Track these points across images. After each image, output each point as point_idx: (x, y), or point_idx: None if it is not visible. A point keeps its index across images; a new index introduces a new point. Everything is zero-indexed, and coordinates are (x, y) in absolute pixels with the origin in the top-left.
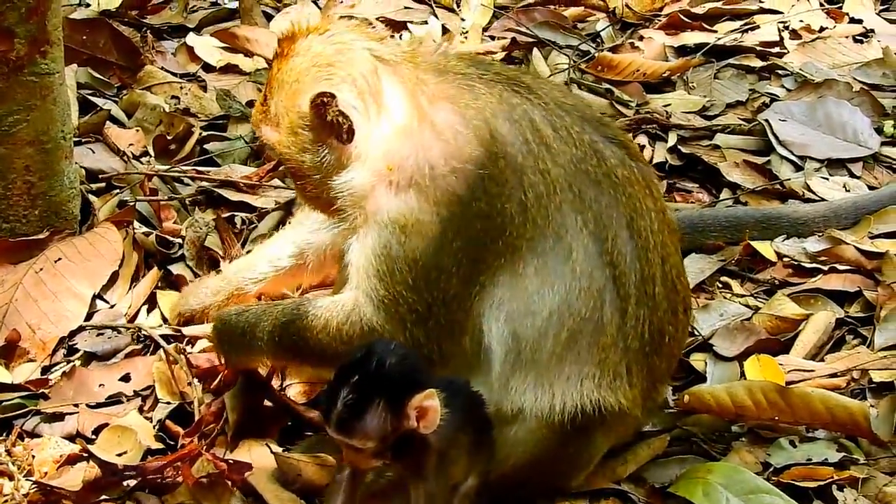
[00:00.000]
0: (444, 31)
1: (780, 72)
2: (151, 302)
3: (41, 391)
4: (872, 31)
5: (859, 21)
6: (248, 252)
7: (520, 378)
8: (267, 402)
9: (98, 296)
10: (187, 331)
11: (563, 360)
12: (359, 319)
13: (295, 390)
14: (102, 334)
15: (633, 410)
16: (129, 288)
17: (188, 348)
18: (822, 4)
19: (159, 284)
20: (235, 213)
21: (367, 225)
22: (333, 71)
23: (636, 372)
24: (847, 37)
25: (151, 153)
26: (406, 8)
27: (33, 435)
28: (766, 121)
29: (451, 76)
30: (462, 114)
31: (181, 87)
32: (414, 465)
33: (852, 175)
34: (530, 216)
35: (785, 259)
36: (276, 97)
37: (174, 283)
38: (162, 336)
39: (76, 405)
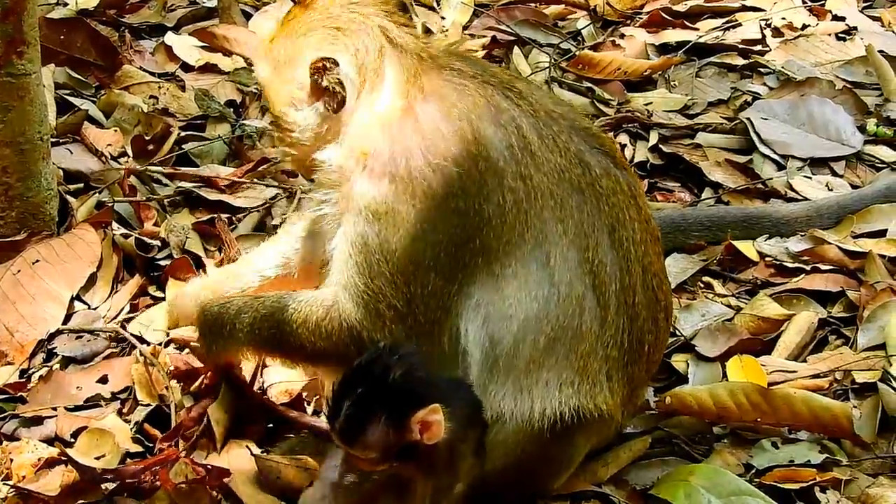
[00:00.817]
0: (426, 29)
1: (762, 70)
2: (133, 306)
3: (19, 394)
4: (855, 28)
5: (842, 18)
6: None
7: (498, 383)
8: (247, 404)
9: (77, 297)
10: (174, 334)
11: (542, 367)
12: (338, 315)
13: (276, 390)
14: (81, 337)
15: (614, 415)
16: (111, 290)
17: (167, 350)
18: (804, 2)
19: (147, 291)
20: (214, 215)
21: (347, 212)
22: (342, 38)
23: (616, 379)
24: (830, 34)
25: (130, 153)
26: None
27: (11, 438)
28: (749, 119)
29: (448, 73)
30: (447, 112)
31: (159, 87)
32: (423, 464)
33: (835, 174)
34: (508, 220)
35: (767, 259)
36: (283, 42)
37: (161, 283)
38: (139, 339)
39: (54, 408)
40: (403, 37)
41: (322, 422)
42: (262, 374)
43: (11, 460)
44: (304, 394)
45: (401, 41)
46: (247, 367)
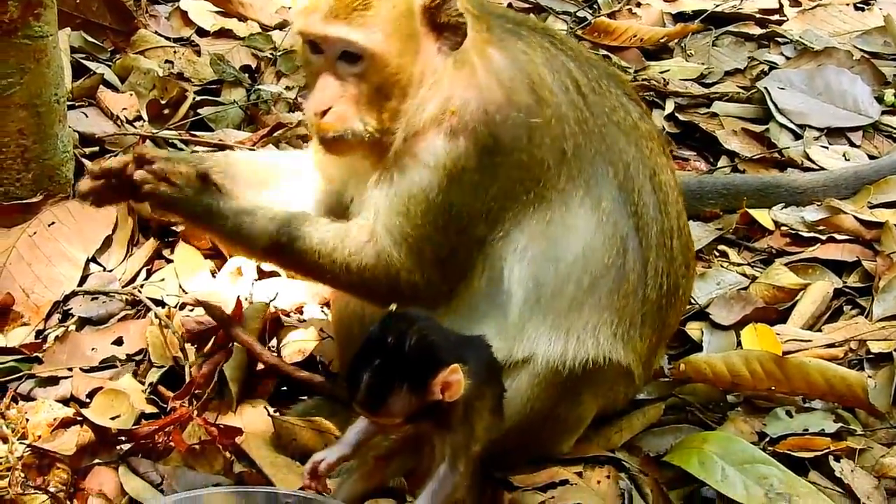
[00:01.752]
0: None
1: (779, 39)
2: (148, 269)
3: (35, 355)
4: None
5: None
6: None
7: (537, 322)
8: (260, 365)
9: (92, 259)
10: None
11: (583, 306)
12: (374, 254)
13: (289, 350)
14: (96, 299)
15: (636, 368)
16: (126, 253)
17: (181, 313)
18: None
19: (162, 255)
20: None
21: (406, 165)
22: None
23: (650, 324)
24: (847, 4)
25: (145, 117)
26: None
27: (27, 398)
28: (766, 89)
29: (503, 22)
30: (516, 59)
31: (175, 52)
32: (441, 421)
33: (852, 144)
34: (566, 167)
35: (783, 228)
36: (381, 4)
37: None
38: (154, 301)
39: (70, 369)
40: None
41: (335, 384)
42: (274, 334)
43: (27, 420)
44: (318, 356)
45: None
46: (256, 325)
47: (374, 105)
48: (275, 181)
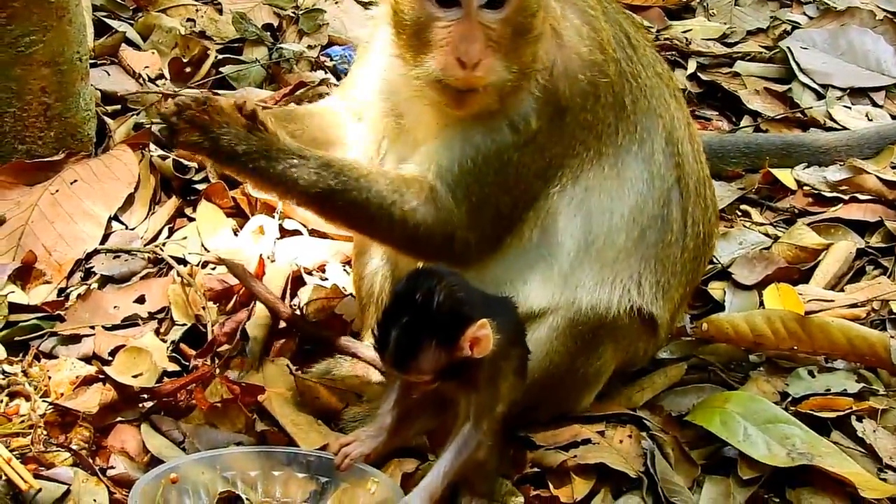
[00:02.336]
0: None
1: None
2: (170, 228)
3: (57, 313)
4: None
5: None
6: None
7: (585, 271)
8: (282, 324)
9: (114, 217)
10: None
11: (630, 257)
12: (435, 210)
13: (312, 308)
14: (118, 257)
15: (665, 321)
16: (148, 211)
17: (203, 271)
18: None
19: (184, 213)
20: None
21: (489, 120)
22: None
23: (686, 273)
24: None
25: (167, 76)
26: None
27: (49, 356)
28: (788, 48)
29: None
30: (587, 18)
31: (197, 10)
32: (466, 379)
33: (875, 104)
34: (624, 122)
35: (805, 188)
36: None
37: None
38: (176, 259)
39: (92, 327)
40: None
41: (357, 343)
42: (296, 292)
43: (49, 378)
44: (343, 314)
45: None
46: (278, 283)
47: (518, 50)
48: (321, 129)
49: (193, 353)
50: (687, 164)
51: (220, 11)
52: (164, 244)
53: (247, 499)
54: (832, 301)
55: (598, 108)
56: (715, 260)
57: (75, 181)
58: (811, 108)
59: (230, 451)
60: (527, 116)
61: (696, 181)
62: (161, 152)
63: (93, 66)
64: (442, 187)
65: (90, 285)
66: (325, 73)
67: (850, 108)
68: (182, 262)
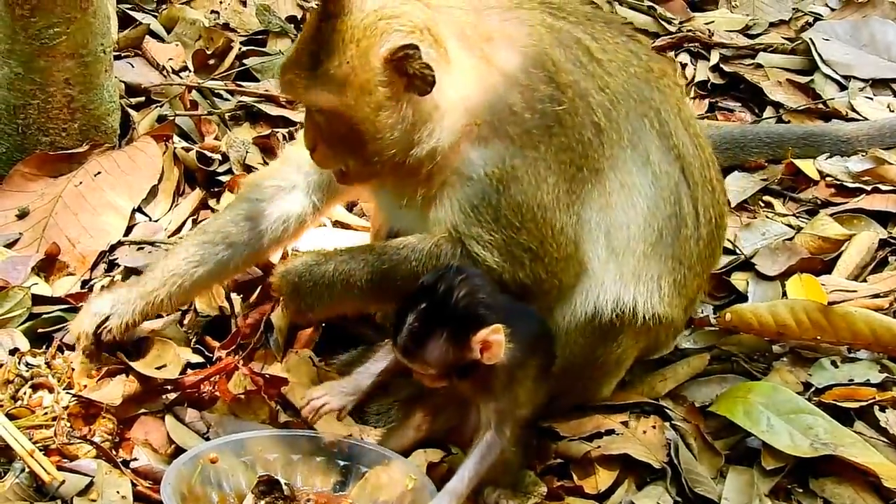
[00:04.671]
0: None
1: None
2: (194, 220)
3: (81, 305)
4: None
5: None
6: None
7: (607, 277)
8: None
9: (138, 209)
10: None
11: (650, 259)
12: (472, 263)
13: None
14: (142, 249)
15: (682, 314)
16: (171, 203)
17: None
18: None
19: (208, 205)
20: (275, 130)
21: (452, 181)
22: (403, 22)
23: (703, 260)
24: None
25: (191, 68)
26: None
27: (73, 348)
28: (811, 40)
29: (493, 13)
30: (523, 51)
31: (221, 2)
32: (481, 384)
33: None
34: (605, 136)
35: (828, 178)
36: (338, 57)
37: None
38: None
39: None
40: None
41: (378, 335)
42: None
43: (73, 370)
44: None
45: (435, 2)
46: None
47: (351, 148)
48: None
49: (217, 344)
50: (687, 152)
51: (244, 3)
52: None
53: (286, 483)
54: (855, 291)
55: (568, 130)
56: (738, 251)
57: (99, 173)
58: (833, 99)
59: (252, 434)
60: (478, 167)
61: (699, 166)
62: (185, 144)
63: (117, 58)
64: (466, 241)
65: (114, 277)
66: None
67: (871, 98)
68: None
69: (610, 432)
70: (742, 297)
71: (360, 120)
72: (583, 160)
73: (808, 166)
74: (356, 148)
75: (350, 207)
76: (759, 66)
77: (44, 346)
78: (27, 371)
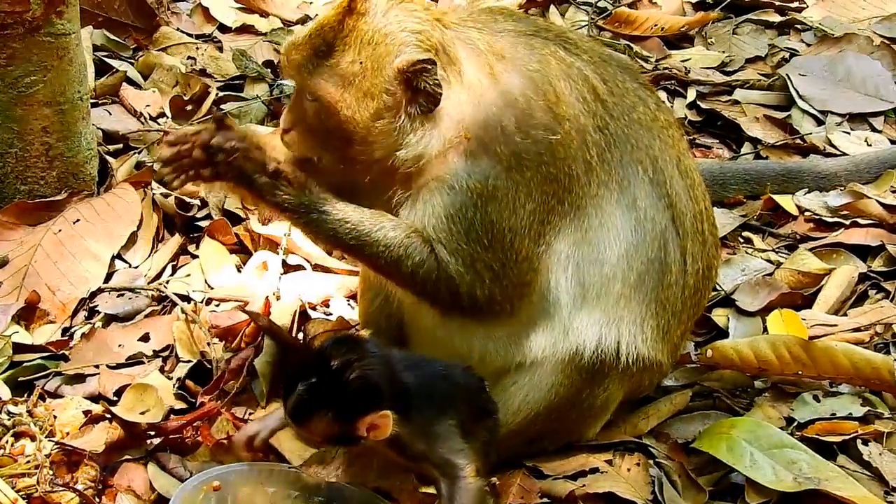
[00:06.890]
0: None
1: (799, 27)
2: (174, 265)
3: (62, 352)
4: None
5: None
6: None
7: (585, 318)
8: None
9: (118, 256)
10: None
11: (631, 301)
12: (436, 265)
13: (318, 342)
14: (122, 295)
15: (668, 358)
16: (151, 249)
17: (208, 308)
18: None
19: (187, 250)
20: None
21: (431, 187)
22: (422, 39)
23: (688, 308)
24: None
25: (168, 114)
26: None
27: (55, 395)
28: (787, 76)
29: (508, 36)
30: (530, 77)
31: (197, 48)
32: (397, 451)
33: (874, 129)
34: (594, 174)
35: (806, 213)
36: (353, 54)
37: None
38: (181, 296)
39: (97, 366)
40: (451, 17)
41: None
42: (304, 326)
43: (55, 417)
44: None
45: (453, 23)
46: (285, 320)
47: (332, 144)
48: None
49: (200, 389)
50: (680, 202)
51: (221, 49)
52: (167, 282)
53: None
54: (835, 325)
55: (558, 162)
56: (718, 287)
57: (78, 220)
58: (811, 134)
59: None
60: (462, 178)
61: (692, 217)
62: (163, 190)
63: (94, 105)
64: (437, 244)
65: (94, 324)
66: None
67: (849, 133)
68: (186, 299)
69: (594, 471)
70: (723, 334)
71: (354, 121)
72: (566, 194)
73: (786, 201)
74: (339, 146)
75: (330, 251)
76: (737, 102)
77: (25, 395)
78: (9, 420)
